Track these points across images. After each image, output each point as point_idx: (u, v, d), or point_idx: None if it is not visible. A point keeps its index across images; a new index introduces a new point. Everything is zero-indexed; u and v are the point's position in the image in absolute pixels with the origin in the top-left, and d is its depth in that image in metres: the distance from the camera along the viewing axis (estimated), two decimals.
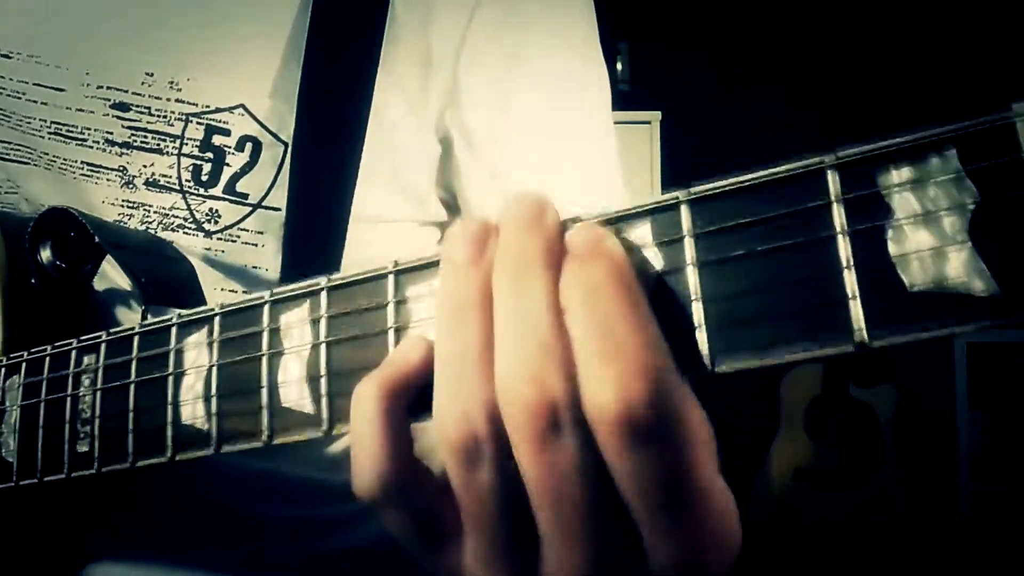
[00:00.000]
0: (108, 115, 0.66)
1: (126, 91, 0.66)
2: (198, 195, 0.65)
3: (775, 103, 3.25)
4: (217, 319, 0.42)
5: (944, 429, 3.07)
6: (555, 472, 0.29)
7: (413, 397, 0.33)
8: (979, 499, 3.00)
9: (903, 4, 3.20)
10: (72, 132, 0.67)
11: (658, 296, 0.29)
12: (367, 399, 0.33)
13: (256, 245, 0.66)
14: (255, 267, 0.67)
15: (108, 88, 0.66)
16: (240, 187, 0.65)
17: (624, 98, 2.91)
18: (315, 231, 0.64)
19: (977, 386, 3.05)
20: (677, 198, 0.29)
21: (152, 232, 0.66)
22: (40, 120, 0.67)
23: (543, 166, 0.70)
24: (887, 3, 3.21)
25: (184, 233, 0.66)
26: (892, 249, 0.25)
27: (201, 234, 0.65)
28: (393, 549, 0.78)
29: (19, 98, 0.67)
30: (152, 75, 0.65)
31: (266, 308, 0.40)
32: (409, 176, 0.70)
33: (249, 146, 0.64)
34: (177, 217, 0.66)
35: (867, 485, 2.84)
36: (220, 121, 0.64)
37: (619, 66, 3.01)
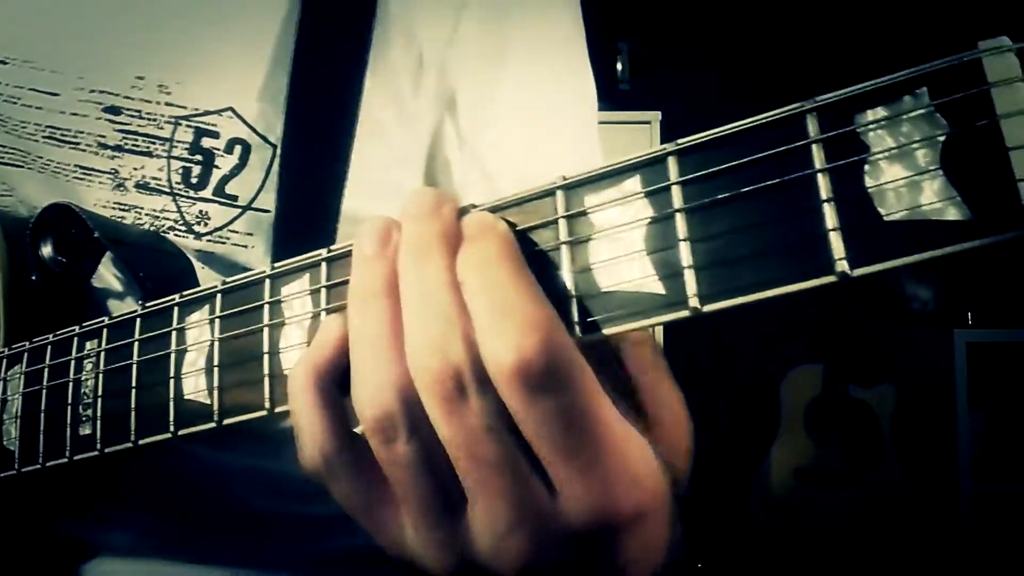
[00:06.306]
0: (100, 118, 0.66)
1: (117, 95, 0.66)
2: (188, 197, 0.65)
3: (775, 103, 3.26)
4: (219, 296, 0.43)
5: (944, 429, 3.07)
6: (467, 431, 0.32)
7: (340, 374, 0.36)
8: (979, 499, 3.00)
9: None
10: (66, 136, 0.67)
11: (651, 240, 0.30)
12: (298, 379, 0.36)
13: (246, 247, 0.66)
14: (245, 267, 0.67)
15: (100, 92, 0.66)
16: (230, 189, 0.65)
17: (624, 98, 2.91)
18: (304, 232, 0.64)
19: (977, 386, 3.05)
20: (665, 150, 0.30)
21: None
22: (35, 124, 0.68)
23: (527, 163, 0.71)
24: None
25: (175, 235, 0.66)
26: (869, 182, 0.26)
27: (191, 236, 0.66)
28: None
29: (15, 103, 0.68)
30: (143, 79, 0.66)
31: (267, 282, 0.41)
32: (399, 176, 0.71)
33: (238, 148, 0.65)
34: (168, 219, 0.66)
35: (867, 485, 2.84)
36: (209, 124, 0.65)
37: (619, 66, 3.01)
